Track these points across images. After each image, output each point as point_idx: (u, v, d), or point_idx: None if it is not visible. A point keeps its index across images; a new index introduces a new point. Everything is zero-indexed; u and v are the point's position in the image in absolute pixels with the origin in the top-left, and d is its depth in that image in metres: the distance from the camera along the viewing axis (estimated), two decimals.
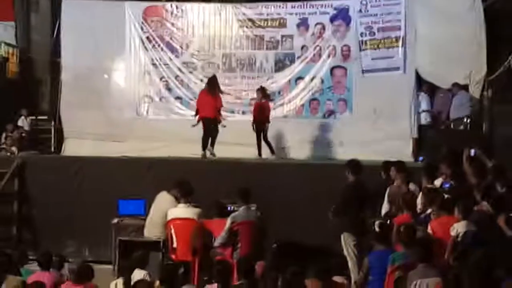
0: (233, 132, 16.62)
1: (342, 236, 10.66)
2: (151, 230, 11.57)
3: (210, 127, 15.74)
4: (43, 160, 16.36)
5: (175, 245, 11.15)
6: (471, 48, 16.47)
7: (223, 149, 16.05)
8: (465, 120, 15.82)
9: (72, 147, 17.93)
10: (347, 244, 10.62)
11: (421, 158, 15.87)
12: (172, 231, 11.09)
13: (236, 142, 16.56)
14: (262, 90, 16.59)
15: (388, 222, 9.61)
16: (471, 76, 16.30)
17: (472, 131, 15.67)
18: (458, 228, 8.34)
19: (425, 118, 16.83)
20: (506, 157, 12.00)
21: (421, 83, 17.00)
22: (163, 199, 11.61)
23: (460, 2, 16.84)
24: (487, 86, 16.38)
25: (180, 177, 11.94)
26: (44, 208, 14.64)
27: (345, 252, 10.65)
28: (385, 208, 10.86)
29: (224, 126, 16.09)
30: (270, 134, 16.59)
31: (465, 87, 16.17)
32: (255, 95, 17.10)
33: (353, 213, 10.61)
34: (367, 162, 12.63)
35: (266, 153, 16.21)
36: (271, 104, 17.18)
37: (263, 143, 16.12)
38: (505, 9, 17.28)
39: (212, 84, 16.19)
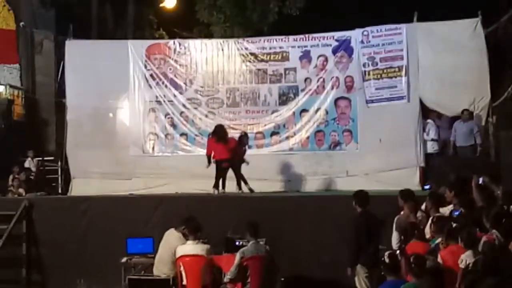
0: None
1: (353, 268, 10.59)
2: (160, 268, 11.51)
3: (222, 167, 15.85)
4: (51, 201, 16.35)
5: (184, 282, 11.09)
6: (474, 75, 16.53)
7: (229, 184, 16.05)
8: (471, 147, 15.78)
9: (79, 187, 17.94)
10: (359, 276, 10.56)
11: (427, 186, 15.84)
12: (182, 268, 11.04)
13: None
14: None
15: (399, 252, 9.56)
16: (475, 103, 16.34)
17: (479, 158, 15.64)
18: (466, 259, 8.29)
19: (432, 146, 16.80)
20: None
21: (428, 111, 17.01)
22: (171, 236, 11.58)
23: (461, 30, 16.91)
24: (491, 113, 16.41)
25: (187, 214, 11.91)
26: (52, 249, 14.61)
27: (357, 284, 10.59)
28: (394, 238, 10.79)
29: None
30: (277, 167, 16.66)
31: (471, 114, 16.17)
32: (260, 129, 17.17)
33: (364, 244, 10.56)
34: (374, 192, 12.60)
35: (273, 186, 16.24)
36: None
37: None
38: (507, 36, 17.40)
39: (222, 134, 16.29)
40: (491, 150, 15.93)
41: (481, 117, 16.36)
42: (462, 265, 8.29)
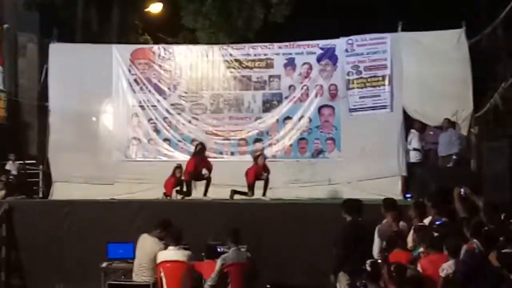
0: (221, 173, 16.64)
1: (336, 276, 10.58)
2: (140, 274, 11.43)
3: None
4: (31, 204, 16.22)
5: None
6: (458, 85, 16.63)
7: (211, 191, 16.02)
8: (453, 157, 15.83)
9: (61, 191, 17.84)
10: (340, 283, 10.54)
11: (408, 195, 15.89)
12: (162, 274, 10.98)
13: (225, 183, 16.55)
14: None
15: (381, 260, 9.55)
16: (458, 114, 16.41)
17: (461, 168, 15.70)
18: (448, 268, 8.30)
19: (415, 156, 16.87)
20: (495, 193, 12.02)
21: (412, 121, 17.07)
22: (147, 242, 11.44)
23: (445, 41, 17.01)
24: (474, 123, 16.49)
25: (161, 218, 11.77)
26: (33, 253, 14.48)
27: None
28: (376, 246, 10.78)
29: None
30: None
31: (453, 124, 16.24)
32: (243, 136, 17.18)
33: (349, 252, 10.53)
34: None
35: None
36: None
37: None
38: (490, 47, 17.49)
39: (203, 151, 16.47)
40: (473, 161, 15.99)
41: (463, 128, 16.44)
42: (442, 274, 8.30)
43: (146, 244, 11.30)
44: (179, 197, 16.15)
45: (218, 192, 16.15)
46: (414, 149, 16.82)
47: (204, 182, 16.12)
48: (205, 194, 16.03)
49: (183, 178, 16.30)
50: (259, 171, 16.13)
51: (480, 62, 17.24)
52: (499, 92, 16.68)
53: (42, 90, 19.25)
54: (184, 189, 16.17)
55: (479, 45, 17.14)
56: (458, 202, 10.96)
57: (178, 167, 16.62)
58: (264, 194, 16.05)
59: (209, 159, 16.81)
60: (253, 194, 15.93)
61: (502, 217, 9.95)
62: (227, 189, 16.25)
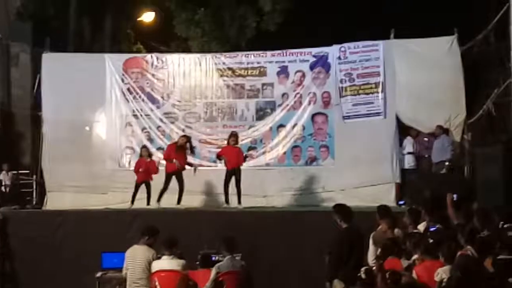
0: (216, 181, 16.66)
1: (331, 283, 10.57)
2: (134, 284, 11.36)
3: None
4: (25, 214, 16.21)
5: None
6: (450, 92, 16.66)
7: (206, 199, 16.03)
8: (446, 163, 15.86)
9: (55, 201, 17.80)
10: None
11: (401, 202, 15.93)
12: (157, 283, 10.95)
13: (219, 192, 16.57)
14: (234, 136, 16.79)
15: (376, 267, 9.55)
16: (451, 120, 16.45)
17: (454, 175, 15.73)
18: (442, 273, 8.31)
19: (408, 162, 16.91)
20: (488, 199, 12.04)
21: (406, 127, 17.10)
22: (139, 251, 11.31)
23: (437, 47, 17.05)
24: (467, 129, 16.53)
25: (146, 225, 11.71)
26: (27, 263, 14.49)
27: None
28: (371, 253, 10.79)
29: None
30: (254, 183, 16.67)
31: (446, 131, 16.28)
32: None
33: (345, 259, 10.53)
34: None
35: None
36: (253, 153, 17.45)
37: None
38: (482, 53, 17.55)
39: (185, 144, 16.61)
40: (466, 167, 16.03)
41: (456, 134, 16.47)
42: (437, 279, 8.30)
43: (138, 254, 11.19)
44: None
45: (212, 200, 16.19)
46: (408, 153, 16.87)
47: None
48: (178, 202, 16.10)
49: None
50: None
51: (473, 69, 17.31)
52: (491, 98, 16.74)
53: (35, 100, 19.19)
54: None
55: (471, 51, 17.20)
56: (450, 208, 11.00)
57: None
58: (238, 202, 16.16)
59: (202, 168, 16.90)
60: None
61: (500, 224, 9.96)
62: (222, 197, 16.33)
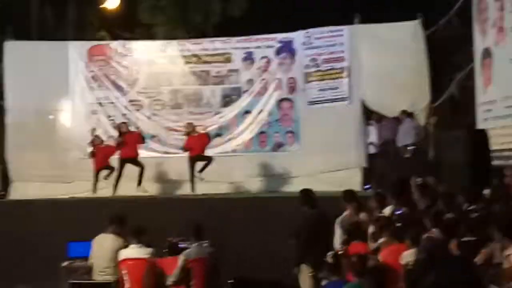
0: (183, 168, 16.62)
1: (299, 267, 10.62)
2: (101, 273, 11.32)
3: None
4: None
5: (127, 285, 10.95)
6: (415, 76, 16.77)
7: (172, 186, 15.99)
8: (411, 147, 15.96)
9: (19, 190, 17.64)
10: (303, 275, 10.59)
11: (367, 186, 16.03)
12: (124, 271, 10.91)
13: (186, 178, 16.55)
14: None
15: (342, 252, 9.61)
16: (415, 104, 16.56)
17: (419, 158, 15.84)
18: (408, 256, 8.37)
19: (373, 148, 17.00)
20: (453, 182, 12.16)
21: (370, 113, 17.18)
22: (106, 241, 11.29)
23: (402, 32, 17.14)
24: (431, 113, 16.65)
25: (114, 213, 11.66)
26: None
27: (301, 283, 10.63)
28: (337, 238, 10.85)
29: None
30: (220, 169, 16.70)
31: (411, 115, 16.38)
32: (202, 131, 17.14)
33: (311, 244, 10.58)
34: (317, 193, 12.64)
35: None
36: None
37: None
38: (446, 37, 17.66)
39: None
40: (430, 151, 16.15)
41: (421, 118, 16.59)
42: (403, 262, 8.37)
43: (105, 243, 11.14)
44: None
45: (178, 186, 16.15)
46: (371, 144, 16.98)
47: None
48: (139, 184, 16.31)
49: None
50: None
51: (437, 53, 17.41)
52: (455, 82, 16.87)
53: None
54: None
55: (435, 36, 17.30)
56: (415, 191, 11.09)
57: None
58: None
59: (169, 155, 16.91)
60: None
61: (465, 206, 10.04)
62: (187, 184, 16.33)
